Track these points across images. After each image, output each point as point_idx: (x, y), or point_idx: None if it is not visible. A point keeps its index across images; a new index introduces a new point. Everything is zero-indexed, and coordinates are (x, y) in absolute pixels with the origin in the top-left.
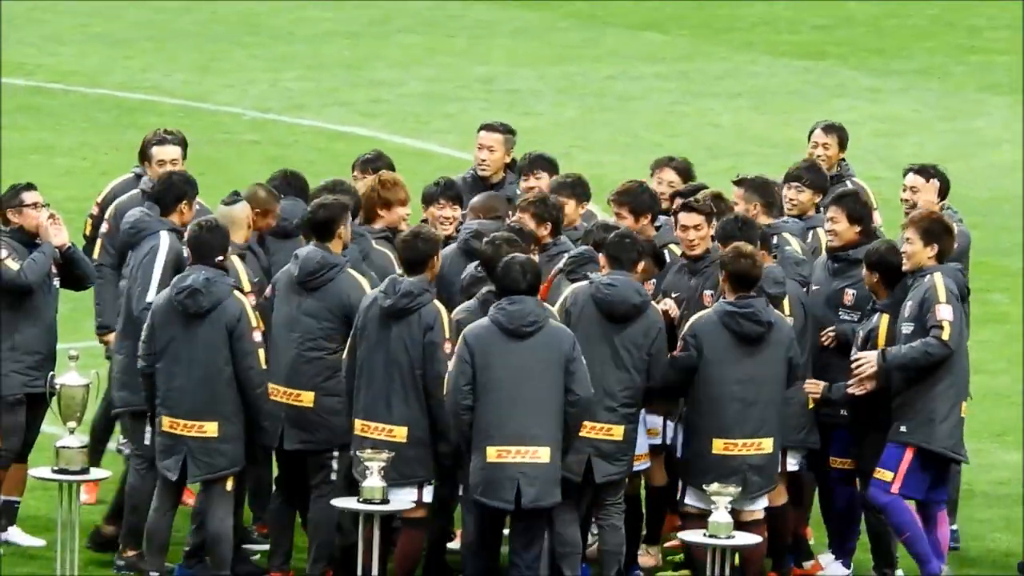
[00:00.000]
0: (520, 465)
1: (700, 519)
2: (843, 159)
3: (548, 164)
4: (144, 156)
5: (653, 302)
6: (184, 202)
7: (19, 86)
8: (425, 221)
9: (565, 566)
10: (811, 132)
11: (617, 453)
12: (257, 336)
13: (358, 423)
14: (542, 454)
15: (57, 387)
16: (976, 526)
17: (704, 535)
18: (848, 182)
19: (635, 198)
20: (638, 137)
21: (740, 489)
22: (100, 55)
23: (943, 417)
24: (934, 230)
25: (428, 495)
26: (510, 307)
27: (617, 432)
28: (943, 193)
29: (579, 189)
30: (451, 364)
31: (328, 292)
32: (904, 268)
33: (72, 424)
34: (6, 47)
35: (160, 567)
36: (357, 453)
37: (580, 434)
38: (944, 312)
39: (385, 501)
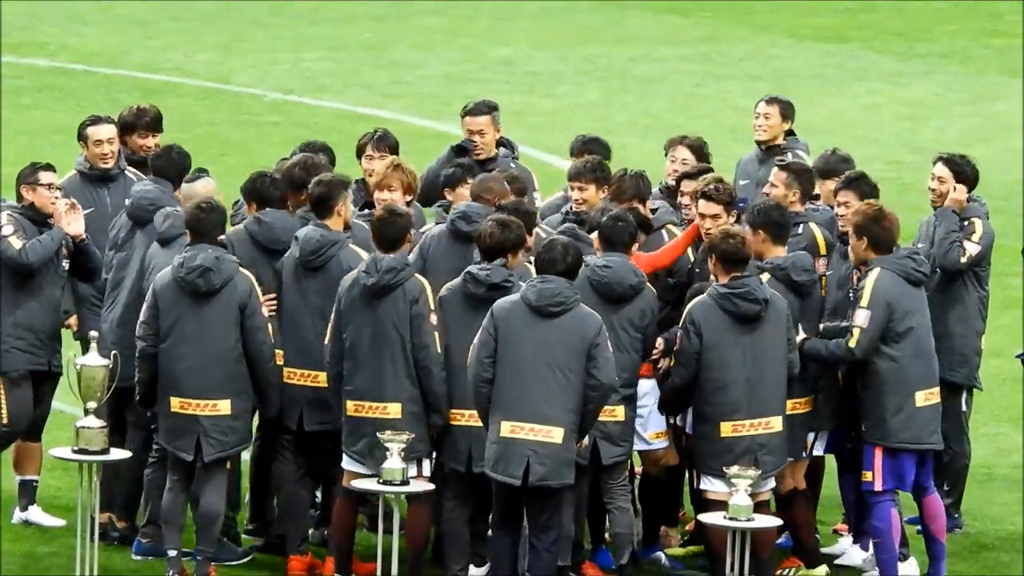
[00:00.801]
0: (532, 443)
1: (718, 503)
2: (792, 131)
3: (601, 147)
4: (80, 137)
5: (649, 284)
6: (185, 175)
7: (42, 67)
8: (449, 204)
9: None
10: (756, 104)
11: (622, 434)
12: (265, 311)
13: (351, 404)
14: (555, 434)
15: (77, 367)
16: (995, 509)
17: (724, 518)
18: (789, 154)
19: (618, 184)
20: (659, 119)
21: (760, 472)
22: (122, 35)
23: (894, 412)
24: (860, 223)
25: (427, 469)
26: (540, 285)
27: (620, 413)
28: (971, 185)
29: (600, 173)
30: (476, 336)
31: (331, 269)
32: (854, 266)
33: (92, 404)
34: (30, 27)
35: (178, 545)
36: (378, 435)
37: None
38: (859, 318)
39: (405, 482)
